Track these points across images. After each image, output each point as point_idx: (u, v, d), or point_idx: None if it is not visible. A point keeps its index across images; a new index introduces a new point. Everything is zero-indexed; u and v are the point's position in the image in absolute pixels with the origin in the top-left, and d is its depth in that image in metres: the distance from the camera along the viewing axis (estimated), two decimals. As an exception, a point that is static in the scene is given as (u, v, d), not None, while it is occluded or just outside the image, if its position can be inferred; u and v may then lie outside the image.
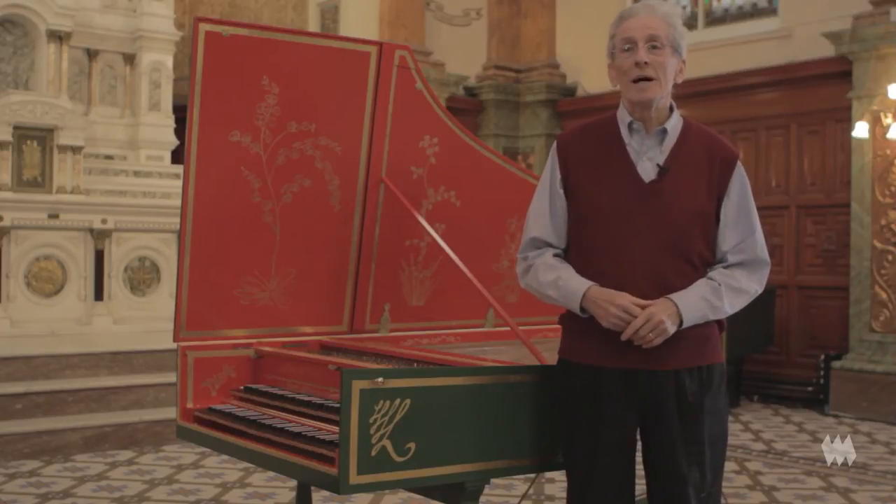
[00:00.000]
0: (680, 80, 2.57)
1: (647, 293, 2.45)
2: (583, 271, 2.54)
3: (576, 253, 2.60)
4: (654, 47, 2.49)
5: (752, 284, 2.55)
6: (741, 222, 2.54)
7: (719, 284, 2.49)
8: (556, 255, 2.62)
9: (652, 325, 2.41)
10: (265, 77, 3.05)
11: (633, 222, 2.50)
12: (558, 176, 2.62)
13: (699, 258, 2.52)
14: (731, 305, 2.51)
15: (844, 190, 8.24)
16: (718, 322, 2.57)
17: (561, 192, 2.61)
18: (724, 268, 2.53)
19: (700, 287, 2.48)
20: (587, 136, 2.64)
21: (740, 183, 2.56)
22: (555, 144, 2.68)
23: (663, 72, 2.49)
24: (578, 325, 2.55)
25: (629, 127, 2.56)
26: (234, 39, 2.97)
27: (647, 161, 2.54)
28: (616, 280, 2.48)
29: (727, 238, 2.54)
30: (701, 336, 2.51)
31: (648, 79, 2.48)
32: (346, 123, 3.24)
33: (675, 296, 2.45)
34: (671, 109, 2.58)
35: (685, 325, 2.45)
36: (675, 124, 2.57)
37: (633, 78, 2.50)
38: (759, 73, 8.93)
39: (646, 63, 2.47)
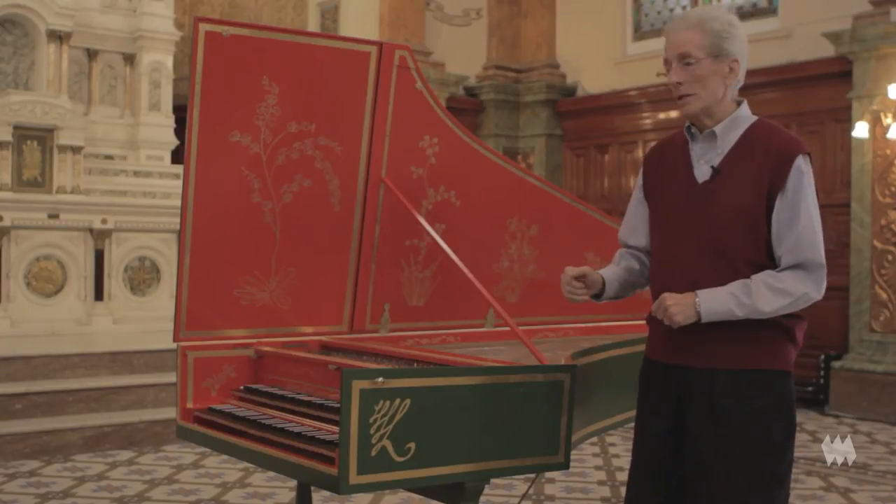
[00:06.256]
0: (731, 81, 2.51)
1: (682, 293, 2.45)
2: (651, 273, 2.68)
3: (652, 256, 2.70)
4: (688, 63, 2.48)
5: (801, 287, 2.43)
6: (796, 222, 2.43)
7: (751, 281, 2.40)
8: (629, 252, 2.78)
9: (660, 306, 2.44)
10: (265, 77, 3.05)
11: (680, 224, 2.54)
12: (640, 182, 2.74)
13: (742, 259, 2.44)
14: (767, 304, 2.39)
15: (844, 190, 8.24)
16: (785, 330, 2.48)
17: (641, 196, 2.73)
18: (778, 271, 2.43)
19: (731, 284, 2.41)
20: (668, 143, 2.73)
21: (798, 179, 2.43)
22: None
23: (701, 85, 2.48)
24: (650, 320, 2.64)
25: (689, 131, 2.60)
26: (234, 39, 2.96)
27: (705, 164, 2.55)
28: (662, 281, 2.54)
29: (782, 239, 2.43)
30: (746, 339, 2.45)
31: (688, 95, 2.50)
32: (346, 123, 3.24)
33: (701, 290, 2.42)
34: (737, 110, 2.54)
35: (704, 317, 2.39)
36: (732, 125, 2.53)
37: (675, 95, 2.54)
38: (759, 73, 8.90)
39: (678, 83, 2.50)
